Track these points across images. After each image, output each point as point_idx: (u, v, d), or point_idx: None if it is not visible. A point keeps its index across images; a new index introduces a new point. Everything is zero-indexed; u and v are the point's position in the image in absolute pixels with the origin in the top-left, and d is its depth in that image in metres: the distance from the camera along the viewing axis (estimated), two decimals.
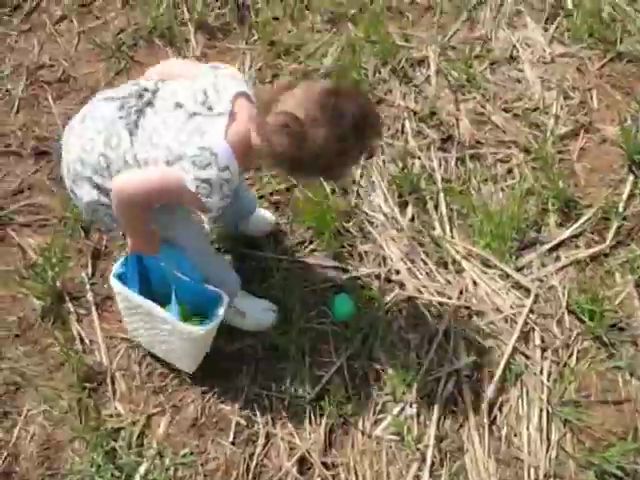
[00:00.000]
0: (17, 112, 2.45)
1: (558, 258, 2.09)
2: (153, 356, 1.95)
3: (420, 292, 2.03)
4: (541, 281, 2.05)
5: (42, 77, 2.53)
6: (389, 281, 2.05)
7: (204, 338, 1.81)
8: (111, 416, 1.88)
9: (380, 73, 2.45)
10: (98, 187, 1.67)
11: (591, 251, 2.09)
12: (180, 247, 1.76)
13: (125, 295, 1.80)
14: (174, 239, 1.76)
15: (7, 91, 2.50)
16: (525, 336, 1.96)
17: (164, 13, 2.61)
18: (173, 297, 1.78)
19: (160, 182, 1.61)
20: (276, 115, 1.49)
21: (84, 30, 2.64)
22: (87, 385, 1.92)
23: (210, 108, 1.61)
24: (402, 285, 2.04)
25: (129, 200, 1.62)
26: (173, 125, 1.61)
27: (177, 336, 1.79)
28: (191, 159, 1.56)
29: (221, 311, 1.77)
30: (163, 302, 1.79)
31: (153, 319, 1.80)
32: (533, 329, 1.97)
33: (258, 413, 1.87)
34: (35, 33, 2.64)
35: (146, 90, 1.68)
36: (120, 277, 1.81)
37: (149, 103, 1.66)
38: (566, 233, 2.12)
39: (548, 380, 1.89)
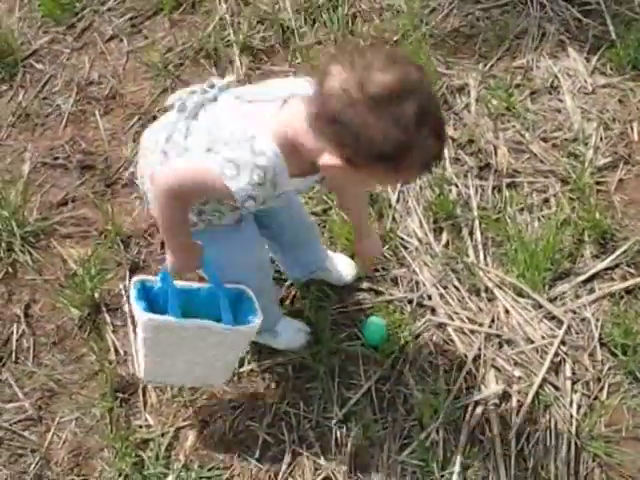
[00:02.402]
0: (65, 126, 2.53)
1: (592, 290, 2.07)
2: None
3: (451, 318, 2.03)
4: (574, 312, 2.03)
5: (91, 93, 2.60)
6: (421, 306, 2.06)
7: (250, 337, 1.76)
8: (141, 427, 1.92)
9: None
10: None
11: (626, 284, 2.07)
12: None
13: (164, 324, 1.64)
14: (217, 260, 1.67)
15: (57, 106, 2.58)
16: (556, 367, 1.95)
17: (210, 34, 2.67)
18: (224, 303, 1.69)
19: (187, 168, 1.50)
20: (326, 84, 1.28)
21: (133, 49, 2.71)
22: (119, 395, 1.96)
23: (268, 95, 1.47)
24: (434, 311, 2.05)
25: (163, 193, 1.49)
26: (225, 112, 1.52)
27: (222, 346, 1.71)
28: (224, 139, 1.43)
29: (256, 304, 1.70)
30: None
31: (197, 340, 1.68)
32: (564, 360, 1.95)
33: (285, 431, 1.89)
34: (86, 51, 2.72)
35: (212, 87, 1.59)
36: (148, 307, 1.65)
37: (214, 99, 1.58)
38: (601, 265, 2.11)
39: (578, 413, 1.87)
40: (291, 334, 1.97)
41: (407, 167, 1.30)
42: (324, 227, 2.21)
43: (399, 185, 2.23)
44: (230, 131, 1.43)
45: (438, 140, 1.30)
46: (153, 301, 1.69)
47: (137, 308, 1.65)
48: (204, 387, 1.95)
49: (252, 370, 1.97)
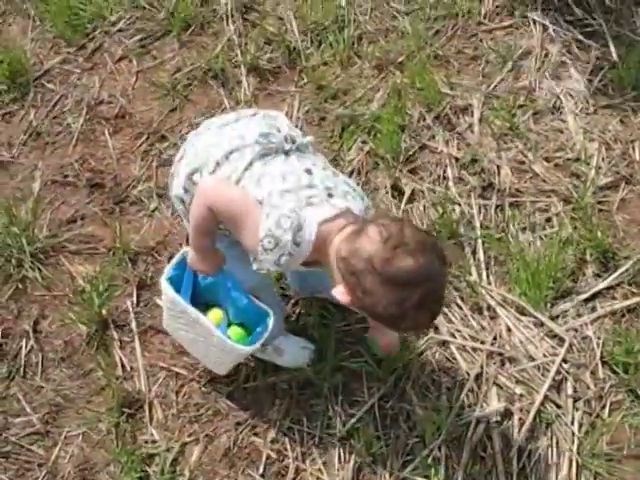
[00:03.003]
0: (75, 145, 2.57)
1: (594, 309, 2.10)
2: (191, 386, 2.02)
3: (454, 336, 2.05)
4: (576, 331, 2.05)
5: (100, 113, 2.64)
6: None
7: (244, 355, 1.88)
8: (146, 442, 1.95)
9: (424, 120, 2.50)
10: (190, 184, 1.72)
11: (628, 303, 2.09)
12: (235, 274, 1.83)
13: (172, 298, 1.83)
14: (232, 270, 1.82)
15: (68, 125, 2.62)
16: (557, 385, 1.96)
17: (218, 55, 2.72)
18: (224, 315, 1.88)
19: (240, 204, 1.61)
20: (353, 248, 1.48)
21: (142, 69, 2.76)
22: (125, 410, 1.99)
23: (330, 195, 1.60)
24: (436, 328, 2.07)
25: (204, 201, 1.64)
26: (289, 182, 1.61)
27: (218, 348, 1.83)
28: (280, 214, 1.55)
29: (266, 333, 1.79)
30: (206, 303, 1.88)
31: (196, 326, 1.83)
32: (565, 378, 1.97)
33: (289, 447, 1.91)
34: (97, 71, 2.77)
35: (294, 142, 1.70)
36: (172, 279, 1.85)
37: (287, 152, 1.69)
38: (603, 284, 2.13)
39: (579, 431, 1.89)
40: (295, 352, 1.99)
41: (396, 329, 1.68)
42: None
43: None
44: (287, 209, 1.55)
45: (430, 319, 1.56)
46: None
47: (164, 273, 1.86)
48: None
49: (257, 386, 2.00)
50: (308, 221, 1.55)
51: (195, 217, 1.68)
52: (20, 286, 2.25)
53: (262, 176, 1.63)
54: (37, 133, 2.62)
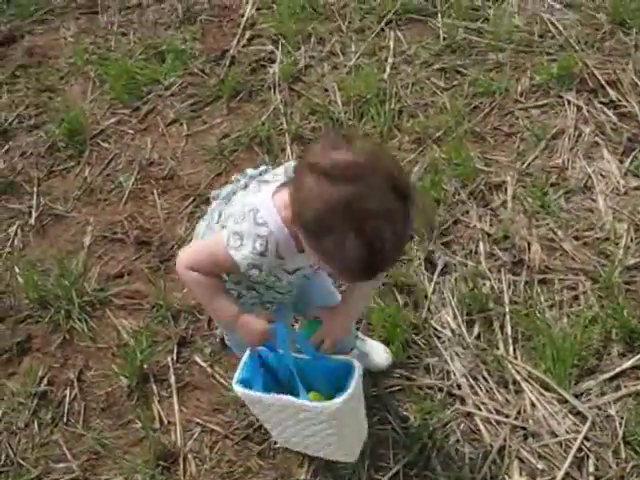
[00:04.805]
0: (126, 203, 2.72)
1: (618, 388, 2.14)
2: (224, 443, 2.11)
3: (479, 409, 2.12)
4: (599, 409, 2.10)
5: (151, 173, 2.80)
6: (450, 395, 2.14)
7: (342, 413, 1.66)
8: None
9: (459, 195, 2.61)
10: None
11: None
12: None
13: (251, 397, 1.72)
14: None
15: (119, 183, 2.78)
16: (579, 462, 2.00)
17: (265, 123, 2.87)
18: (299, 383, 1.68)
19: (208, 245, 1.66)
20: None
21: (192, 133, 2.92)
22: (161, 463, 2.07)
23: (262, 180, 1.66)
24: (463, 400, 2.13)
25: (183, 272, 1.62)
26: (241, 195, 1.68)
27: (315, 420, 1.70)
28: (233, 215, 1.57)
29: (352, 381, 1.66)
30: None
31: (287, 412, 1.72)
32: (587, 456, 2.01)
33: None
34: (149, 133, 2.94)
35: (252, 177, 1.74)
36: (244, 382, 1.73)
37: (245, 186, 1.74)
38: (627, 363, 2.18)
39: None
40: None
41: (327, 255, 1.36)
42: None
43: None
44: (239, 206, 1.59)
45: (364, 248, 1.30)
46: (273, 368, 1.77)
47: (234, 378, 1.73)
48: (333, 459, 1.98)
49: (287, 447, 2.07)
50: (260, 199, 1.53)
51: (192, 289, 1.69)
52: (67, 336, 2.38)
53: (228, 216, 1.64)
54: (90, 189, 2.79)
